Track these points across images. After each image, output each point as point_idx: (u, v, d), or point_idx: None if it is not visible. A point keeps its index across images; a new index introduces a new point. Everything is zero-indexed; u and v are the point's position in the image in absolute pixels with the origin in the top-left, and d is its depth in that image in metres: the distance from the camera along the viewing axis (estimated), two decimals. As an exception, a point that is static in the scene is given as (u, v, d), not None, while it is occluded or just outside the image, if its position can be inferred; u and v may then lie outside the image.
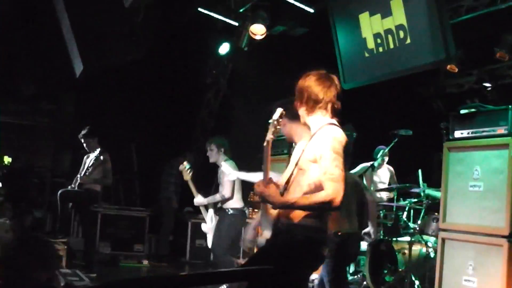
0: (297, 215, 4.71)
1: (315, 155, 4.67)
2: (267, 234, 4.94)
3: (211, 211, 9.95)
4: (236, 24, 11.92)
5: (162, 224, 13.67)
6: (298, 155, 4.93)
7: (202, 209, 9.99)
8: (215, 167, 9.66)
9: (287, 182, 4.87)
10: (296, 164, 4.82)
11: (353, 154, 9.97)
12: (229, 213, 9.49)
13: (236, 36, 11.96)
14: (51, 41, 11.89)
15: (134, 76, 14.47)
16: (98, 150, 10.66)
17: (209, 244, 9.84)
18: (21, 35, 12.94)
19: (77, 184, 10.73)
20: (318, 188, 4.59)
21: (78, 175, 10.85)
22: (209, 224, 9.92)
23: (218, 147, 9.60)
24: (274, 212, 4.87)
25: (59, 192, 10.76)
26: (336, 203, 4.46)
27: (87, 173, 10.70)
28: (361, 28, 9.97)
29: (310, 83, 4.93)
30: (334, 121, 4.94)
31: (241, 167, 9.66)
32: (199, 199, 9.73)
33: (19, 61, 14.85)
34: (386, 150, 10.11)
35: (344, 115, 11.12)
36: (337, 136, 4.68)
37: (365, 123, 10.67)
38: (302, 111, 5.03)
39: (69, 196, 10.78)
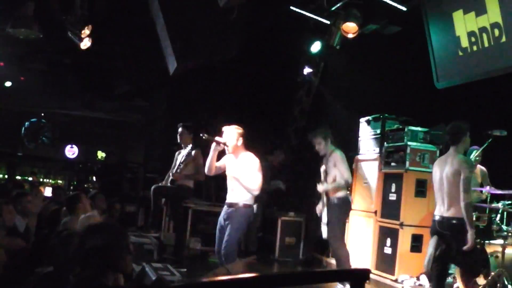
0: None
1: None
2: None
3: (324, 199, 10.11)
4: (328, 22, 11.88)
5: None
6: None
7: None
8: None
9: None
10: None
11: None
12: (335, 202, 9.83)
13: (328, 34, 11.91)
14: (145, 40, 12.09)
15: (225, 74, 14.58)
16: (189, 146, 10.75)
17: (324, 235, 10.08)
18: (116, 33, 13.19)
19: (169, 180, 10.87)
20: None
21: (170, 171, 10.98)
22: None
23: (325, 138, 9.84)
24: None
25: (152, 187, 10.95)
26: None
27: (178, 170, 10.80)
28: (455, 26, 9.80)
29: None
30: None
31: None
32: (323, 186, 9.92)
33: (114, 59, 15.17)
34: (480, 151, 9.90)
35: (436, 115, 10.94)
36: None
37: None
38: None
39: (161, 192, 10.95)
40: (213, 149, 8.53)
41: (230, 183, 8.68)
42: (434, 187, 7.90)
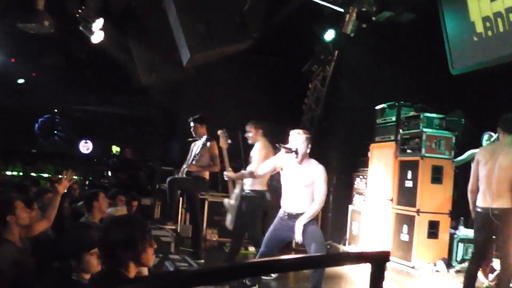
0: None
1: None
2: None
3: (238, 188, 10.05)
4: (342, 10, 11.81)
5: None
6: None
7: (230, 185, 10.13)
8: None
9: None
10: None
11: (462, 141, 9.74)
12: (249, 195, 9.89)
13: (342, 22, 11.85)
14: (158, 31, 12.02)
15: (240, 63, 14.55)
16: (204, 137, 10.71)
17: (228, 223, 10.32)
18: (131, 26, 13.12)
19: (185, 171, 10.84)
20: None
21: (186, 163, 10.95)
22: (232, 201, 10.11)
23: (255, 128, 9.80)
24: None
25: (168, 179, 10.90)
26: None
27: (194, 161, 10.77)
28: (469, 12, 9.76)
29: None
30: None
31: (348, 152, 9.59)
32: (229, 173, 9.56)
33: (129, 53, 15.11)
34: (495, 137, 9.84)
35: (452, 101, 10.88)
36: None
37: (474, 109, 10.41)
38: None
39: (177, 184, 10.90)
40: (277, 156, 8.11)
41: (294, 192, 7.90)
42: (479, 176, 7.76)
